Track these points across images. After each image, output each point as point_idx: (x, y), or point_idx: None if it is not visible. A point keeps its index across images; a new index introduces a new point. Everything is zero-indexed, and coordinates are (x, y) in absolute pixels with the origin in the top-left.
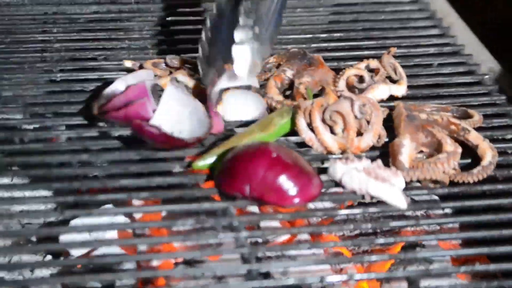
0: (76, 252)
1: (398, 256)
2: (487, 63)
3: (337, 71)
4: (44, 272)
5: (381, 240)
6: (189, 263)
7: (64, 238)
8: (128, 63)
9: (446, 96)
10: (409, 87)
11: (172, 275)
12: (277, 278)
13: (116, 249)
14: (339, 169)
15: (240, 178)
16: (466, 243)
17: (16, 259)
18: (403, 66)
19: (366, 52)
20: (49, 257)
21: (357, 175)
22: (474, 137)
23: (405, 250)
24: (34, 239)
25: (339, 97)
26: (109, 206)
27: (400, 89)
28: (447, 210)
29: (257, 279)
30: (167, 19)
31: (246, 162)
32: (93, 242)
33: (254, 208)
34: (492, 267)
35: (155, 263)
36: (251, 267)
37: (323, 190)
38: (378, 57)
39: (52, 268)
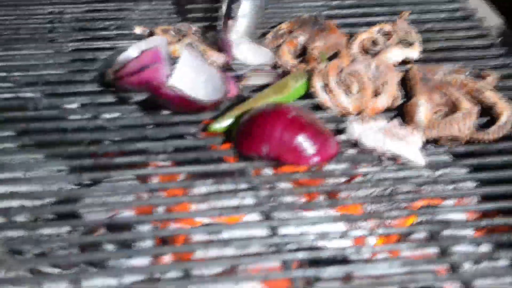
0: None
1: (418, 212)
2: (499, 27)
3: (350, 37)
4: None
5: (400, 197)
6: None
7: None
8: (138, 30)
9: (460, 59)
10: (422, 51)
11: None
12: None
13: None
14: (355, 130)
15: (257, 139)
16: (486, 199)
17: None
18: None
19: (378, 18)
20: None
21: (374, 135)
22: (490, 96)
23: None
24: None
25: (352, 60)
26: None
27: (414, 52)
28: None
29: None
30: None
31: (262, 123)
32: (112, 204)
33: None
34: None
35: (172, 225)
36: (271, 224)
37: (340, 151)
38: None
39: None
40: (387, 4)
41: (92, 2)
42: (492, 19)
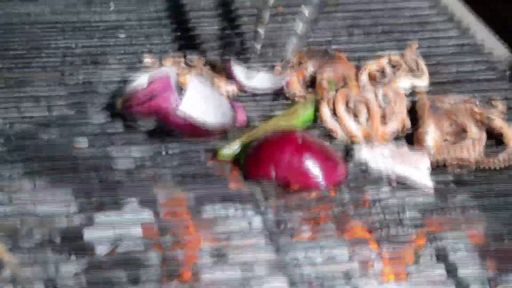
0: (101, 249)
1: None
2: (508, 59)
3: (358, 68)
4: (70, 268)
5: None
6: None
7: (88, 235)
8: (148, 60)
9: (469, 91)
10: (431, 83)
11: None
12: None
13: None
14: (364, 155)
15: (266, 163)
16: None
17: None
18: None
19: (386, 52)
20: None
21: (383, 160)
22: (499, 126)
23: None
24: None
25: (361, 88)
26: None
27: (422, 82)
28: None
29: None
30: (188, 25)
31: (272, 147)
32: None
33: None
34: None
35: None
36: (278, 248)
37: (348, 177)
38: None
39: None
40: (395, 39)
41: (103, 37)
42: (500, 52)
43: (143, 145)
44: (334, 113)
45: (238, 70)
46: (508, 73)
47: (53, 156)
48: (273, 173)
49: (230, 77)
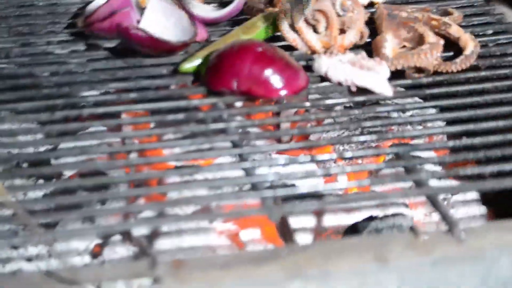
0: (68, 172)
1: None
2: None
3: None
4: (37, 194)
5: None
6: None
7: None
8: None
9: (425, 1)
10: None
11: (165, 176)
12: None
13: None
14: (324, 63)
15: (227, 74)
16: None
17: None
18: None
19: None
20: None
21: (342, 67)
22: (455, 30)
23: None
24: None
25: None
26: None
27: None
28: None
29: (250, 160)
30: None
31: (232, 58)
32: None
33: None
34: (477, 140)
35: (146, 171)
36: (242, 151)
37: (311, 86)
38: None
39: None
40: None
41: None
42: None
43: (104, 61)
44: (293, 24)
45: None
46: None
47: (16, 74)
48: (234, 83)
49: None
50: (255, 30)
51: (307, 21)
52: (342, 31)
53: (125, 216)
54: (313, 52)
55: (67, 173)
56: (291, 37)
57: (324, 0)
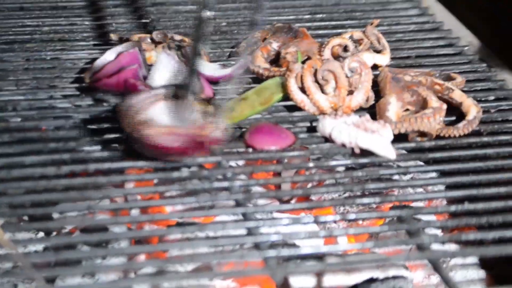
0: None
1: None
2: (466, 37)
3: (322, 45)
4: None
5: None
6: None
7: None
8: (114, 37)
9: (429, 66)
10: (392, 58)
11: (166, 234)
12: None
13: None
14: (328, 124)
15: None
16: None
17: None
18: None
19: (349, 30)
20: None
21: (346, 128)
22: (458, 95)
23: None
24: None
25: (327, 60)
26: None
27: (384, 58)
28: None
29: (252, 219)
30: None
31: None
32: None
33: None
34: (481, 205)
35: (147, 227)
36: (246, 210)
37: (313, 146)
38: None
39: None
40: (358, 17)
41: (70, 16)
42: (460, 31)
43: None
44: (302, 85)
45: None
46: (467, 48)
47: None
48: None
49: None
50: (266, 93)
51: (315, 83)
52: (349, 93)
53: (125, 272)
54: (321, 112)
55: (69, 227)
56: (299, 98)
57: (332, 61)
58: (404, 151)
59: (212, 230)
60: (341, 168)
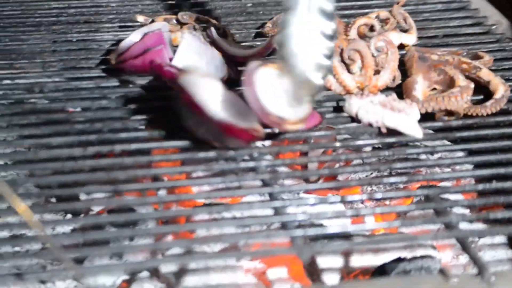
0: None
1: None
2: (493, 16)
3: (348, 25)
4: (66, 228)
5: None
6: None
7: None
8: (140, 18)
9: (456, 45)
10: (419, 37)
11: (193, 214)
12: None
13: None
14: (354, 104)
15: None
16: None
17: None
18: None
19: (375, 10)
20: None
21: (373, 108)
22: (486, 74)
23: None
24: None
25: (353, 40)
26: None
27: (411, 38)
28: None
29: (279, 199)
30: None
31: None
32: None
33: None
34: (509, 184)
35: (174, 208)
36: (272, 190)
37: (340, 125)
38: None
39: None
40: None
41: None
42: (487, 10)
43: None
44: None
45: (219, 39)
46: (495, 27)
47: (50, 109)
48: None
49: (213, 44)
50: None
51: (341, 62)
52: (376, 72)
53: (153, 252)
54: (347, 92)
55: (96, 208)
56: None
57: (359, 41)
58: (431, 131)
59: (238, 210)
60: (368, 148)
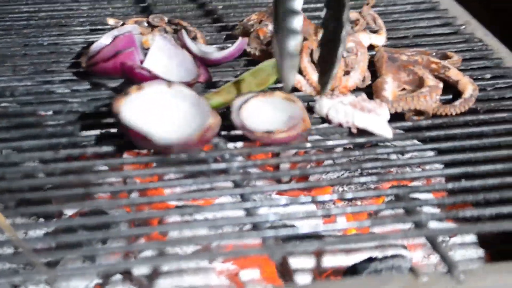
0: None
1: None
2: (462, 17)
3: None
4: (38, 232)
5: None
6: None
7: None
8: (111, 21)
9: (425, 45)
10: (389, 38)
11: (165, 216)
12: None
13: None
14: (325, 104)
15: None
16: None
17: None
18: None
19: None
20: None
21: (343, 108)
22: (455, 74)
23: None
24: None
25: None
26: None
27: (380, 39)
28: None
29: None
30: None
31: None
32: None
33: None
34: (477, 182)
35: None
36: (244, 191)
37: (312, 127)
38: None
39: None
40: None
41: (66, 2)
42: (456, 10)
43: (107, 100)
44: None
45: (190, 42)
46: (463, 27)
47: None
48: None
49: (184, 46)
50: (263, 75)
51: (311, 63)
52: (346, 73)
53: (125, 255)
54: (318, 93)
55: (68, 212)
56: (296, 78)
57: None
58: (401, 131)
59: (210, 212)
60: (339, 148)
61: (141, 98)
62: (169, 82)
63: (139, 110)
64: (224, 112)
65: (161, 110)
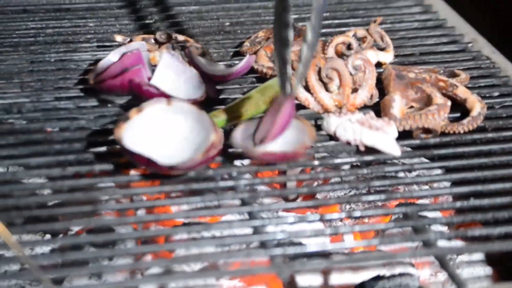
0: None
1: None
2: (469, 34)
3: (325, 43)
4: (44, 249)
5: (372, 197)
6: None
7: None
8: (118, 38)
9: (432, 63)
10: (396, 55)
11: (173, 234)
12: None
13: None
14: (332, 122)
15: None
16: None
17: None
18: None
19: (352, 28)
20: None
21: (351, 126)
22: (463, 92)
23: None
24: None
25: (330, 58)
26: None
27: (387, 56)
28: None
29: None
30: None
31: None
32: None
33: None
34: (486, 201)
35: (153, 228)
36: (251, 208)
37: (318, 144)
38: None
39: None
40: (361, 16)
41: (73, 18)
42: (463, 28)
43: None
44: (306, 84)
45: (197, 59)
46: (471, 45)
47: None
48: None
49: (191, 63)
50: (270, 92)
51: (319, 81)
52: (353, 90)
53: (132, 272)
54: (326, 110)
55: (75, 228)
56: (303, 96)
57: (336, 59)
58: (409, 148)
59: (218, 229)
60: (346, 166)
61: (142, 121)
62: (169, 100)
63: (141, 133)
64: (232, 129)
65: (164, 129)
